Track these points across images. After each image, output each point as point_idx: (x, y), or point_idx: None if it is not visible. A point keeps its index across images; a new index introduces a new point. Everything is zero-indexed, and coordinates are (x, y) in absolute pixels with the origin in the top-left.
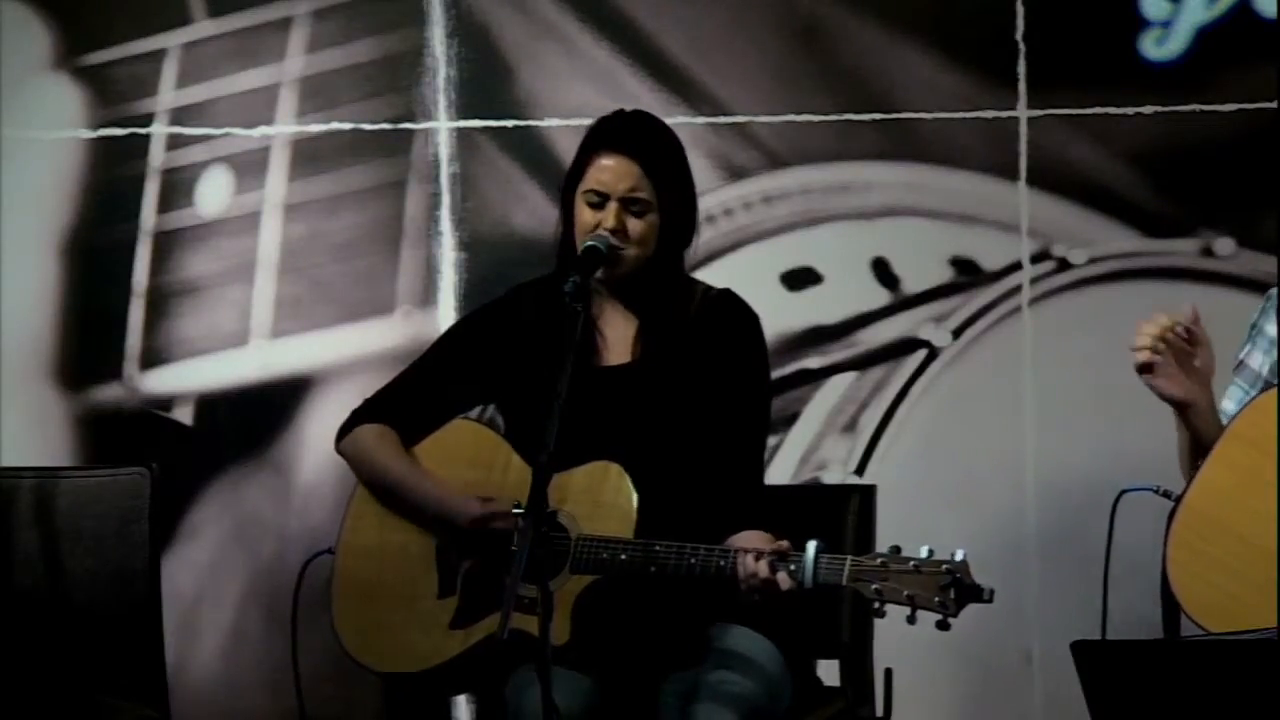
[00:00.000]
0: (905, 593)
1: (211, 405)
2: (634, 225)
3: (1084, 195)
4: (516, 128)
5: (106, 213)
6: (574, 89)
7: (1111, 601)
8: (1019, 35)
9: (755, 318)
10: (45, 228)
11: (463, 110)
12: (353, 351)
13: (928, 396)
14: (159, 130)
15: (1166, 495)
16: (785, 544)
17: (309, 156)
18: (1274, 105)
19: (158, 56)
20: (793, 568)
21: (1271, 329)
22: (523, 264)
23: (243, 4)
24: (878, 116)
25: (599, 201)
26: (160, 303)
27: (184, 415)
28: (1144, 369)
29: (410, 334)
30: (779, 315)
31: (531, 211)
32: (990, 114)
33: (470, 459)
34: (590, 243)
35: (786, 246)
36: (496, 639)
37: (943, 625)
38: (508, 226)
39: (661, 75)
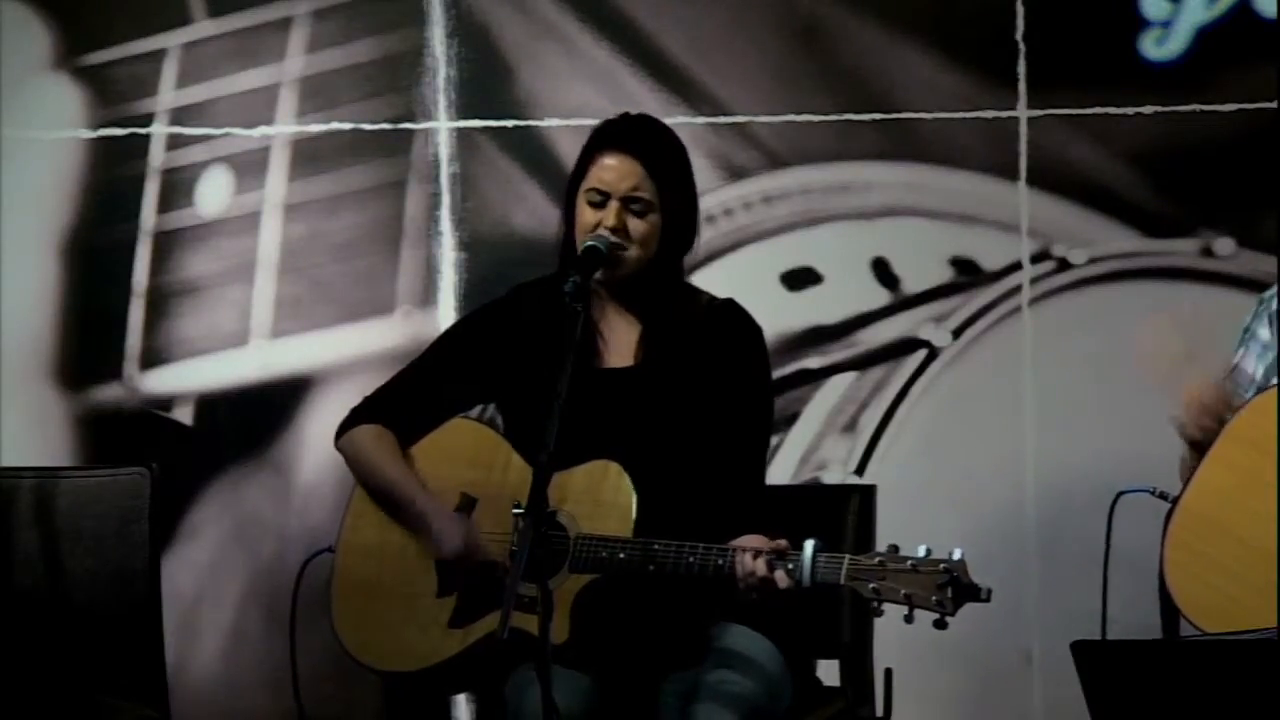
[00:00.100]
0: (903, 592)
1: (211, 405)
2: (635, 225)
3: (1084, 195)
4: (516, 128)
5: (106, 213)
6: (574, 89)
7: (1111, 601)
8: (1019, 35)
9: (758, 328)
10: (45, 228)
11: (463, 110)
12: (353, 351)
13: (928, 396)
14: (159, 130)
15: (1163, 497)
16: (784, 543)
17: (309, 156)
18: (1274, 105)
19: (158, 56)
20: (790, 566)
21: (1264, 333)
22: (523, 264)
23: (243, 4)
24: (878, 116)
25: (600, 200)
26: (160, 303)
27: (184, 415)
28: (1191, 441)
29: (410, 334)
30: (779, 315)
31: (531, 211)
32: (990, 114)
33: (470, 459)
34: (590, 243)
35: (786, 246)
36: (496, 638)
37: (940, 624)
38: (508, 226)
39: (661, 75)
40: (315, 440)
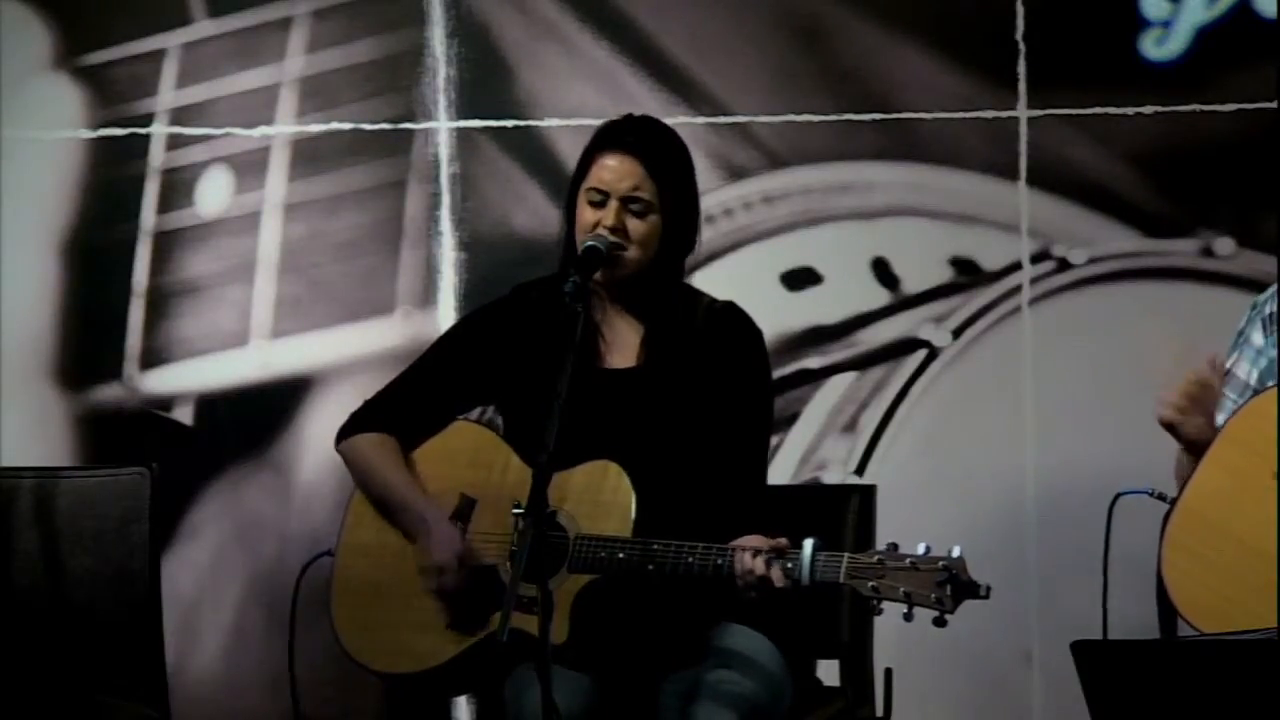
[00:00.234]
0: (902, 590)
1: (211, 405)
2: (635, 225)
3: (1084, 195)
4: (516, 128)
5: (106, 213)
6: (574, 89)
7: (1111, 602)
8: (1019, 35)
9: (759, 331)
10: (45, 228)
11: (463, 110)
12: (353, 352)
13: (928, 396)
14: (159, 130)
15: (1161, 498)
16: (783, 541)
17: (309, 156)
18: (1274, 105)
19: (158, 56)
20: (789, 565)
21: (1258, 337)
22: (523, 264)
23: (243, 4)
24: (878, 116)
25: (600, 200)
26: (160, 303)
27: (184, 415)
28: (1167, 425)
29: (410, 334)
30: (779, 315)
31: (531, 211)
32: (990, 114)
33: (470, 460)
34: (590, 243)
35: (786, 246)
36: (496, 639)
37: (939, 622)
38: (508, 226)
39: (661, 75)
40: (315, 440)
